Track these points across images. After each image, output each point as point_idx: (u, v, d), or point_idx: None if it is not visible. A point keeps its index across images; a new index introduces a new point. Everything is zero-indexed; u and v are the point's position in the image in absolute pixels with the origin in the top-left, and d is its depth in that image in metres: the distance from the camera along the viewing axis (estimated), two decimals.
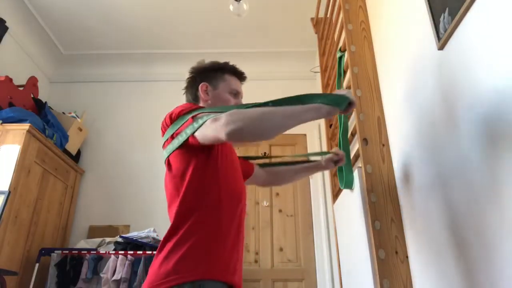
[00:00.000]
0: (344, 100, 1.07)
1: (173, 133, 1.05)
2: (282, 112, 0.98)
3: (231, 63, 1.29)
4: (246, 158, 1.42)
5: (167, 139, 1.09)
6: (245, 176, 1.34)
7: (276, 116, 0.96)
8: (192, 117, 1.01)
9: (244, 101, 1.26)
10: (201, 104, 1.22)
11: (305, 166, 1.52)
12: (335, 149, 1.53)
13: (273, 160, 1.51)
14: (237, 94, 1.26)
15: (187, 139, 1.00)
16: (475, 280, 0.98)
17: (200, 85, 1.22)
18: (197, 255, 0.94)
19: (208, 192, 1.02)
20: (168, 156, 1.08)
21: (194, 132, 0.98)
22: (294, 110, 1.00)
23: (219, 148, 1.08)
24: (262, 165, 1.47)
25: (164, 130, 1.11)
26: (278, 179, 1.50)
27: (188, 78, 1.29)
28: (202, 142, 0.99)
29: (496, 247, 0.89)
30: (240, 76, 1.29)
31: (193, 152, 1.04)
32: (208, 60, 1.31)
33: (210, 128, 0.94)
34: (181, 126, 1.03)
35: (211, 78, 1.24)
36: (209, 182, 1.03)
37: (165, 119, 1.10)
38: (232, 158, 1.14)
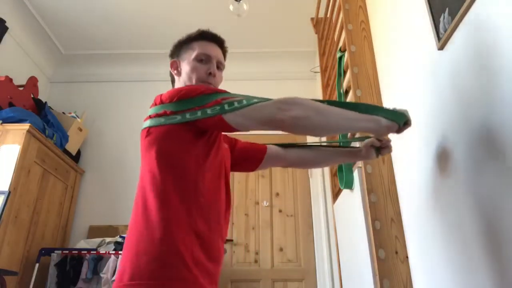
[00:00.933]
0: (403, 117, 1.04)
1: (181, 110, 0.96)
2: (343, 114, 0.97)
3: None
4: (284, 146, 1.29)
5: (160, 112, 0.98)
6: (255, 161, 1.24)
7: (338, 116, 0.96)
8: (222, 99, 0.94)
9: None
10: (176, 84, 1.16)
11: (340, 150, 1.30)
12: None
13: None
14: (207, 59, 1.13)
15: (207, 118, 0.93)
16: (476, 280, 0.98)
17: (170, 63, 1.17)
18: (169, 258, 0.85)
19: (188, 186, 0.93)
20: (155, 127, 0.98)
21: (223, 113, 0.92)
22: (355, 115, 0.99)
23: (215, 138, 1.02)
24: (286, 146, 1.30)
25: (155, 105, 1.02)
26: (306, 162, 1.30)
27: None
28: (233, 125, 0.93)
29: (499, 247, 0.89)
30: (207, 37, 1.16)
31: (184, 137, 0.96)
32: None
33: (266, 110, 0.92)
34: (198, 106, 0.94)
35: (180, 53, 1.17)
36: (193, 174, 0.94)
37: (161, 96, 1.02)
38: (220, 152, 1.06)
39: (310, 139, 3.31)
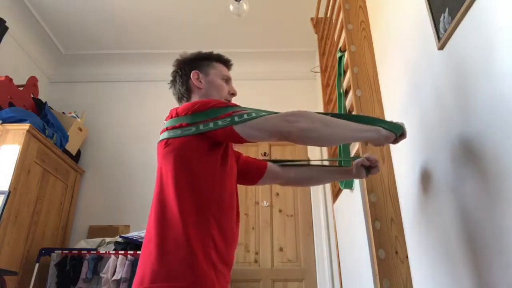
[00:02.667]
0: (400, 129, 1.13)
1: (195, 122, 1.01)
2: (347, 125, 1.05)
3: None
4: (280, 163, 1.36)
5: (176, 124, 1.04)
6: (257, 175, 1.30)
7: (343, 127, 1.04)
8: (233, 112, 1.01)
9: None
10: (194, 94, 1.20)
11: (334, 169, 1.42)
12: (367, 154, 1.33)
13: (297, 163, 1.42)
14: (228, 80, 1.25)
15: (218, 129, 0.99)
16: (476, 280, 0.98)
17: (192, 73, 1.21)
18: (189, 261, 0.89)
19: (204, 193, 0.98)
20: (173, 138, 1.03)
21: (234, 124, 0.98)
22: (358, 126, 1.08)
23: (227, 149, 1.07)
24: (282, 164, 1.37)
25: (171, 117, 1.07)
26: (302, 180, 1.39)
27: (173, 71, 1.26)
28: (243, 136, 0.99)
29: (501, 247, 0.89)
30: (227, 63, 1.28)
31: (199, 148, 1.01)
32: None
33: (274, 122, 0.99)
34: (211, 118, 1.01)
35: (200, 66, 1.23)
36: (208, 182, 1.00)
37: (176, 109, 1.07)
38: (231, 163, 1.12)
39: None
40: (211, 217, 0.96)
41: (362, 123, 1.10)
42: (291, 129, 0.98)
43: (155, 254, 0.90)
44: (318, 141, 1.05)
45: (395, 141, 1.14)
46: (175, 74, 1.26)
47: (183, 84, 1.22)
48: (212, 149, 1.03)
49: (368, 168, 1.28)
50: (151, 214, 1.01)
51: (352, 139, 1.09)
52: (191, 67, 1.23)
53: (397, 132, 1.12)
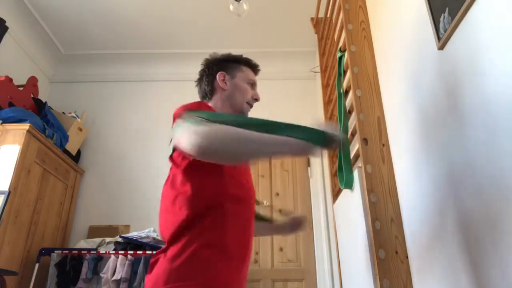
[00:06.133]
0: (320, 137, 0.90)
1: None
2: (258, 139, 0.89)
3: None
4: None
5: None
6: None
7: (250, 142, 0.89)
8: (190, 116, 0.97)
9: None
10: (217, 95, 1.21)
11: (269, 225, 1.37)
12: (296, 214, 1.37)
13: None
14: (253, 84, 1.26)
15: None
16: (475, 280, 0.98)
17: (218, 74, 1.22)
18: (204, 262, 0.92)
19: (212, 196, 0.99)
20: (172, 153, 1.07)
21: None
22: (270, 140, 0.89)
23: None
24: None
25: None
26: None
27: (201, 70, 1.27)
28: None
29: (501, 247, 0.89)
30: (254, 68, 1.29)
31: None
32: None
33: (181, 138, 0.90)
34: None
35: (228, 68, 1.24)
36: (212, 185, 1.01)
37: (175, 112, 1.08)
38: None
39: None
40: (223, 214, 0.98)
41: (279, 133, 0.91)
42: (187, 148, 0.87)
43: (168, 257, 0.93)
44: (222, 159, 0.92)
45: (325, 148, 0.91)
46: (202, 73, 1.27)
47: (209, 83, 1.23)
48: None
49: (292, 225, 1.35)
50: (161, 215, 1.03)
51: (265, 155, 0.92)
52: (219, 67, 1.24)
53: (317, 142, 0.89)
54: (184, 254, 0.91)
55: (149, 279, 0.94)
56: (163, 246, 0.98)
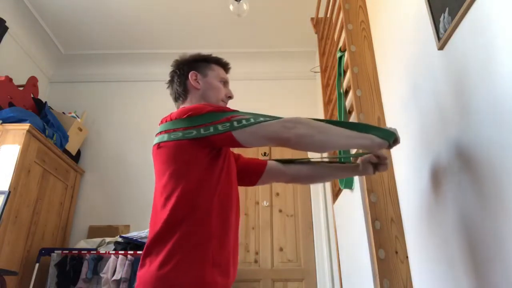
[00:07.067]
0: (392, 136, 1.13)
1: (196, 125, 1.02)
2: (342, 132, 1.07)
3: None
4: (284, 161, 1.34)
5: (173, 127, 1.05)
6: (255, 174, 1.28)
7: (337, 134, 1.07)
8: (231, 117, 1.02)
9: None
10: (191, 94, 1.21)
11: (340, 166, 1.35)
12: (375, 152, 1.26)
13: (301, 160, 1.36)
14: (226, 82, 1.27)
15: (217, 134, 1.00)
16: (475, 280, 0.98)
17: (190, 74, 1.22)
18: (193, 265, 0.92)
19: (204, 196, 0.99)
20: (164, 142, 1.04)
21: (233, 130, 0.99)
22: (352, 133, 1.09)
23: (226, 153, 1.08)
24: (286, 162, 1.34)
25: (165, 121, 1.08)
26: (307, 177, 1.34)
27: (172, 71, 1.28)
28: (241, 142, 1.01)
29: (501, 247, 0.89)
30: (225, 66, 1.29)
31: (200, 151, 1.02)
32: None
33: (273, 128, 1.01)
34: (209, 122, 1.02)
35: (199, 67, 1.24)
36: (208, 186, 1.01)
37: (170, 114, 1.08)
38: (230, 166, 1.12)
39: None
40: (210, 221, 0.97)
41: (357, 131, 1.11)
42: (289, 135, 1.00)
43: (155, 262, 0.92)
44: (313, 148, 1.06)
45: (389, 147, 1.15)
46: (173, 74, 1.27)
47: (181, 84, 1.23)
48: (210, 153, 1.03)
49: (376, 165, 1.23)
50: (151, 218, 1.03)
51: (346, 146, 1.11)
52: (190, 67, 1.23)
53: (390, 139, 1.12)
54: (171, 261, 0.91)
55: (136, 285, 0.93)
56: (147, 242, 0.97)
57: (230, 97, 1.26)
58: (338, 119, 2.02)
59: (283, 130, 1.00)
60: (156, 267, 0.90)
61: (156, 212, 1.01)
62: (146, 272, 0.92)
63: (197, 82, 1.21)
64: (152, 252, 0.94)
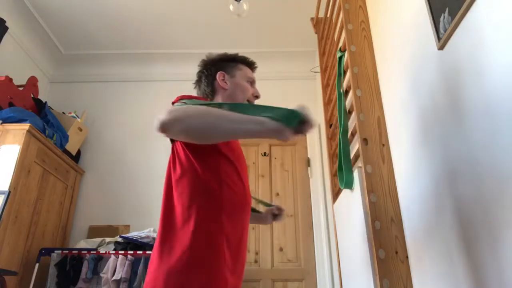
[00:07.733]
0: (294, 117, 0.86)
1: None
2: (226, 115, 0.89)
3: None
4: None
5: None
6: None
7: (218, 117, 0.88)
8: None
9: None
10: (219, 95, 1.21)
11: (253, 214, 1.44)
12: (277, 204, 1.48)
13: None
14: (253, 82, 1.27)
15: None
16: (476, 280, 0.98)
17: (217, 74, 1.22)
18: (206, 263, 0.91)
19: (210, 192, 0.99)
20: (174, 143, 1.07)
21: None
22: (237, 116, 0.88)
23: (233, 151, 1.08)
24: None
25: None
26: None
27: (199, 71, 1.27)
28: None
29: (501, 246, 0.89)
30: (252, 65, 1.30)
31: (192, 146, 1.02)
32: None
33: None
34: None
35: (227, 67, 1.24)
36: (210, 181, 1.00)
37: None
38: (238, 155, 1.11)
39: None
40: (219, 219, 0.97)
41: (248, 114, 0.90)
42: (159, 123, 0.88)
43: (163, 260, 0.92)
44: (188, 134, 0.89)
45: (297, 132, 0.87)
46: (200, 74, 1.26)
47: (209, 84, 1.23)
48: (211, 148, 1.03)
49: (275, 216, 1.46)
50: (160, 218, 1.03)
51: (232, 133, 0.89)
52: (217, 68, 1.24)
53: (291, 122, 0.85)
54: (183, 259, 0.90)
55: (146, 283, 0.93)
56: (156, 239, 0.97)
57: (257, 97, 1.26)
58: (338, 119, 2.02)
59: (161, 119, 0.88)
60: (168, 264, 0.90)
61: (166, 207, 1.01)
62: (157, 269, 0.91)
63: (225, 82, 1.21)
64: (164, 250, 0.94)
